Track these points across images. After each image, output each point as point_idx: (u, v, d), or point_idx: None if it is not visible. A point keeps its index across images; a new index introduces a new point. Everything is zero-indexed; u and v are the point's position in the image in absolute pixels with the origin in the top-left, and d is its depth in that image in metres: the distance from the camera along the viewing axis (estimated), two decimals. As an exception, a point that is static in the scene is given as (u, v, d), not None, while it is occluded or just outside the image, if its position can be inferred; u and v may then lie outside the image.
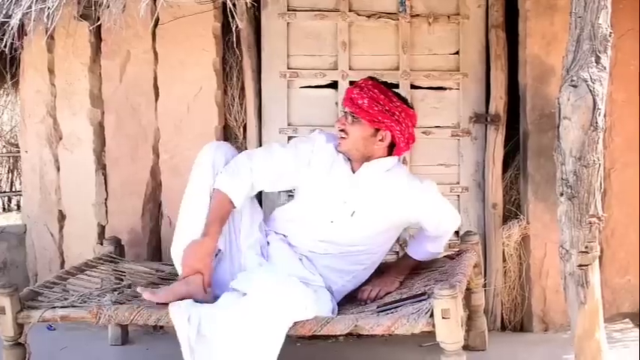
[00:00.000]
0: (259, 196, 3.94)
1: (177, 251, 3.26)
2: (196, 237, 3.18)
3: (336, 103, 4.30)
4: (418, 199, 3.38)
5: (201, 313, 2.94)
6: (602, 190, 2.79)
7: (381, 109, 3.27)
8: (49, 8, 3.31)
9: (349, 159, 3.40)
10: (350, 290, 3.48)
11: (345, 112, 3.36)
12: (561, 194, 2.77)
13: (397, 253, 4.21)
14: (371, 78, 3.43)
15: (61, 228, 4.75)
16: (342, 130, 3.34)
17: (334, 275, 3.38)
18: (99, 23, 3.98)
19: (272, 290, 2.93)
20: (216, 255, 3.27)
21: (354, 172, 3.39)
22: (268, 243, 3.45)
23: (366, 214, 3.35)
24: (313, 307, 2.99)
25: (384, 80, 3.62)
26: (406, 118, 3.33)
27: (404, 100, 3.43)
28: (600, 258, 2.90)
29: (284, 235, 3.46)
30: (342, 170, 3.39)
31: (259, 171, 3.33)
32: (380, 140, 3.32)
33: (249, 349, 2.84)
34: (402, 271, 3.57)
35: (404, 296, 3.25)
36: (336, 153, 3.39)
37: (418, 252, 3.62)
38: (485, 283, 4.04)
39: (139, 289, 3.19)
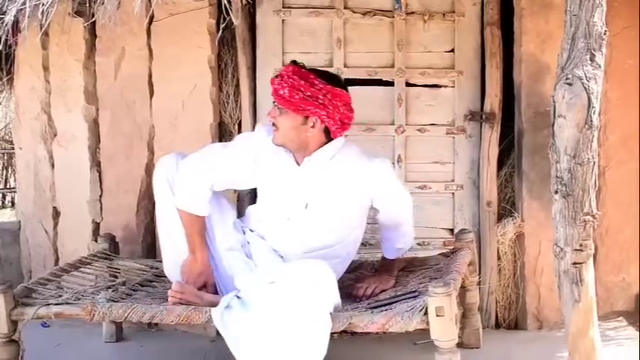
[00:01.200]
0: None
1: (168, 268, 3.49)
2: (180, 254, 3.35)
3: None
4: (367, 176, 3.29)
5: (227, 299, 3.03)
6: (596, 188, 2.79)
7: (303, 97, 3.15)
8: (43, 5, 3.30)
9: (291, 151, 3.32)
10: (343, 272, 3.47)
11: (274, 104, 3.28)
12: (556, 192, 2.77)
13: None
14: (292, 63, 3.28)
15: (56, 225, 4.74)
16: (273, 124, 3.28)
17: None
18: (93, 20, 3.97)
19: (307, 276, 2.98)
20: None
21: (298, 164, 3.32)
22: (248, 242, 3.44)
23: (320, 204, 3.30)
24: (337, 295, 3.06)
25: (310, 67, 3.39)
26: (333, 99, 3.19)
27: (330, 80, 3.26)
28: (594, 256, 2.90)
29: (262, 237, 3.44)
30: (287, 164, 3.32)
31: (215, 177, 3.34)
32: (311, 127, 3.21)
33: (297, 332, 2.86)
34: (394, 270, 3.55)
35: (398, 293, 3.26)
36: (277, 148, 3.31)
37: (390, 251, 3.55)
38: (479, 281, 4.04)
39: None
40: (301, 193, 3.30)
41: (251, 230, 3.46)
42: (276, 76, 3.25)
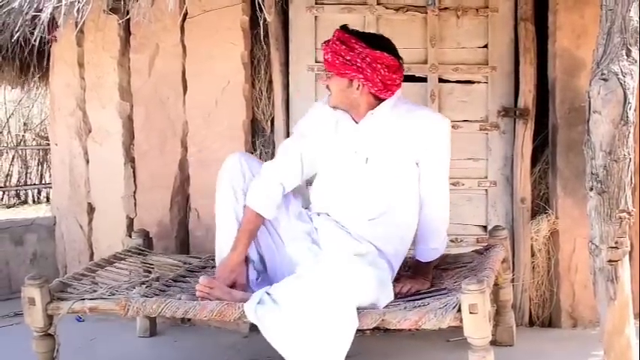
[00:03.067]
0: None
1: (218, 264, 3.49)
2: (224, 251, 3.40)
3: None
4: (421, 125, 3.31)
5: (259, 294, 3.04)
6: (632, 185, 2.76)
7: (342, 61, 3.23)
8: (79, 2, 3.33)
9: (348, 112, 3.37)
10: (404, 253, 3.45)
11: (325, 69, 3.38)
12: (591, 189, 2.75)
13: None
14: (341, 27, 3.34)
15: (90, 220, 4.79)
16: (327, 87, 3.37)
17: (381, 242, 3.32)
18: (128, 17, 4.00)
19: (336, 272, 2.99)
20: (251, 262, 3.45)
21: (356, 122, 3.36)
22: (316, 228, 3.45)
23: (379, 157, 3.31)
24: (373, 292, 3.06)
25: (355, 29, 3.40)
26: (372, 62, 3.22)
27: (372, 43, 3.28)
28: (630, 253, 2.87)
29: (327, 214, 3.44)
30: (346, 124, 3.38)
31: (283, 172, 3.41)
32: (357, 89, 3.27)
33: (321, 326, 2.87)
34: (429, 272, 3.50)
35: (432, 292, 3.25)
36: (335, 111, 3.37)
37: (424, 252, 3.49)
38: (513, 278, 4.02)
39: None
40: (361, 148, 3.34)
41: (318, 214, 3.48)
42: (325, 41, 3.34)
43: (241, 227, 3.38)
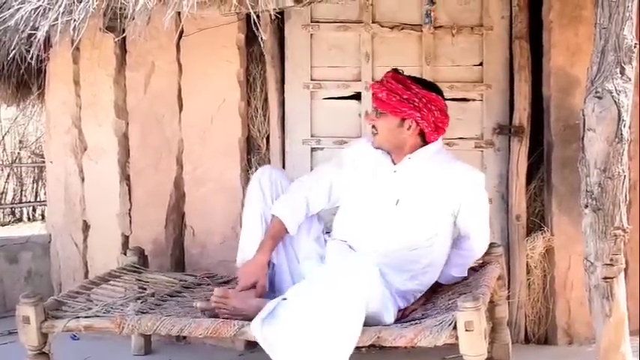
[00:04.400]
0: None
1: (239, 264, 3.56)
2: (251, 254, 3.44)
3: (360, 115, 4.30)
4: (460, 180, 3.40)
5: (274, 303, 3.04)
6: (627, 202, 2.77)
7: (399, 99, 3.32)
8: (75, 20, 3.33)
9: (389, 153, 3.46)
10: (414, 293, 3.43)
11: (373, 108, 3.47)
12: (586, 206, 2.76)
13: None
14: (393, 70, 3.47)
15: (85, 238, 4.78)
16: (372, 127, 3.45)
17: (391, 273, 3.32)
18: (124, 35, 4.01)
19: (341, 277, 3.00)
20: (272, 267, 3.51)
21: (395, 163, 3.45)
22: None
23: (410, 201, 3.37)
24: (379, 301, 3.08)
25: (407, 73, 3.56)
26: (428, 103, 3.35)
27: (426, 86, 3.44)
28: (625, 270, 2.87)
29: (343, 241, 3.50)
30: (385, 164, 3.46)
31: (312, 193, 3.52)
32: (407, 129, 3.36)
33: (323, 334, 2.89)
34: (425, 291, 3.53)
35: (427, 310, 3.24)
36: (376, 150, 3.47)
37: (444, 275, 3.54)
38: (508, 296, 4.02)
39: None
40: (394, 190, 3.40)
41: (334, 239, 3.54)
42: (376, 82, 3.46)
43: (268, 233, 3.45)
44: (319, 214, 3.63)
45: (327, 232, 3.64)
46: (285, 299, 3.04)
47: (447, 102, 3.47)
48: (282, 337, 2.92)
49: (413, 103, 3.32)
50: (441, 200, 3.38)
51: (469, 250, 3.55)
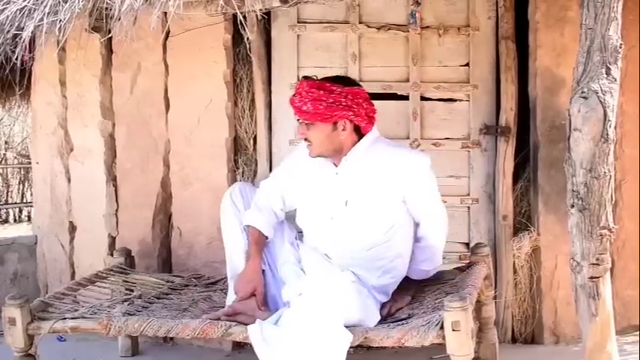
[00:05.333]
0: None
1: (231, 278, 3.55)
2: (241, 265, 3.47)
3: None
4: (401, 165, 3.33)
5: (265, 325, 3.05)
6: (613, 202, 2.78)
7: (326, 105, 3.25)
8: (60, 21, 3.32)
9: (330, 159, 3.42)
10: (392, 286, 3.43)
11: (299, 122, 3.38)
12: (572, 206, 2.77)
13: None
14: (304, 78, 3.39)
15: (72, 239, 4.76)
16: (305, 139, 3.38)
17: (363, 272, 3.31)
18: (110, 35, 3.99)
19: (324, 289, 3.01)
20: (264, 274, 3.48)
21: (336, 165, 3.41)
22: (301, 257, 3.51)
23: (359, 200, 3.33)
24: (358, 311, 3.08)
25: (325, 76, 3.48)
26: (355, 98, 3.29)
27: (344, 82, 3.38)
28: (611, 270, 2.88)
29: (314, 247, 3.51)
30: (327, 169, 3.42)
31: (271, 200, 3.53)
32: (342, 130, 3.31)
33: (312, 349, 2.88)
34: (411, 288, 3.52)
35: (414, 309, 3.25)
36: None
37: (414, 271, 3.53)
38: (495, 295, 4.02)
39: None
40: (341, 191, 3.37)
41: (304, 243, 3.56)
42: (294, 95, 3.34)
43: (250, 241, 3.46)
44: (289, 222, 3.64)
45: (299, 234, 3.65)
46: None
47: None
48: (279, 346, 2.93)
49: (341, 103, 3.26)
50: (389, 190, 3.33)
51: (428, 237, 3.46)
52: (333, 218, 3.39)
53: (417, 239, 3.48)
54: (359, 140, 3.37)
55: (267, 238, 3.48)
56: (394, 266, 3.40)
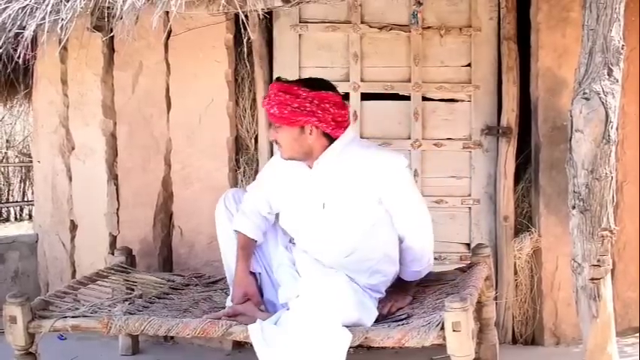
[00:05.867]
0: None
1: (230, 282, 3.61)
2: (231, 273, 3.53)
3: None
4: (374, 167, 3.28)
5: (266, 324, 3.05)
6: (614, 203, 2.78)
7: (291, 109, 3.22)
8: (62, 20, 3.32)
9: (303, 162, 3.40)
10: (384, 284, 3.40)
11: (270, 124, 3.41)
12: (573, 207, 2.76)
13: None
14: (276, 80, 3.38)
15: (73, 238, 4.77)
16: (276, 142, 3.40)
17: (353, 274, 3.29)
18: (112, 34, 3.99)
19: (320, 290, 3.01)
20: (260, 276, 3.55)
21: (310, 168, 3.38)
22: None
23: (336, 202, 3.31)
24: (355, 310, 3.08)
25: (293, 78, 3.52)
26: (321, 103, 3.24)
27: (314, 86, 3.31)
28: (612, 271, 2.88)
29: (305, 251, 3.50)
30: (301, 173, 3.41)
31: (258, 202, 3.57)
32: (309, 134, 3.27)
33: (311, 349, 2.88)
34: (410, 288, 3.50)
35: (415, 310, 3.25)
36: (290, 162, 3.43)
37: (405, 273, 3.49)
38: (496, 296, 4.02)
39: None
40: (316, 194, 3.35)
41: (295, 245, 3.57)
42: (265, 97, 3.35)
43: (237, 247, 3.49)
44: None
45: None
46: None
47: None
48: (279, 347, 2.93)
49: (305, 109, 3.23)
50: (364, 192, 3.28)
51: (408, 238, 3.39)
52: (312, 222, 3.37)
53: (400, 240, 3.41)
54: (330, 144, 3.32)
55: (256, 241, 3.51)
56: (382, 267, 3.37)
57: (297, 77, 4.28)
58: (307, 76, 3.56)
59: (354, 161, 3.30)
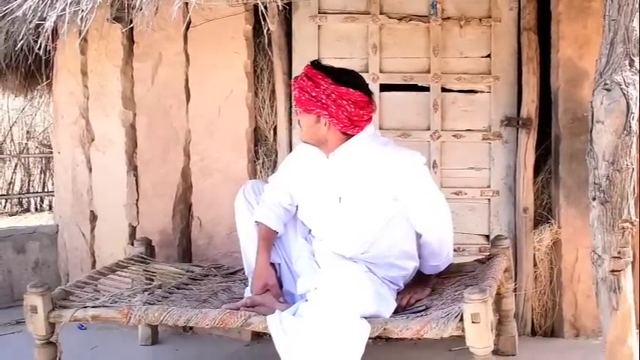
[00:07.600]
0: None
1: (248, 274, 3.65)
2: (250, 266, 3.56)
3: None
4: (392, 166, 3.26)
5: (284, 315, 3.05)
6: (635, 195, 2.76)
7: (308, 97, 3.24)
8: (82, 11, 3.33)
9: (319, 148, 3.39)
10: (403, 277, 3.41)
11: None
12: (594, 199, 2.75)
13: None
14: (310, 63, 3.35)
15: (93, 228, 4.80)
16: (298, 122, 3.44)
17: (372, 266, 3.30)
18: (131, 26, 4.01)
19: (338, 282, 3.01)
20: (280, 267, 3.55)
21: (327, 157, 3.37)
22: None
23: (352, 197, 3.30)
24: (373, 302, 3.07)
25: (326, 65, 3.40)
26: (337, 99, 3.21)
27: (338, 79, 3.26)
28: (633, 263, 2.86)
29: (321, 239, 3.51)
30: (319, 162, 3.40)
31: (279, 193, 3.56)
32: (324, 126, 3.27)
33: (330, 342, 2.88)
34: (430, 280, 3.50)
35: (434, 301, 3.24)
36: (312, 148, 3.40)
37: (424, 267, 3.48)
38: (515, 288, 4.02)
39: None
40: (333, 187, 3.35)
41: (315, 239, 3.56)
42: (295, 77, 3.38)
43: (258, 237, 3.49)
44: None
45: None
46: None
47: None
48: (296, 338, 2.93)
49: (320, 100, 3.22)
50: (380, 188, 3.25)
51: (427, 234, 3.37)
52: (328, 215, 3.37)
53: (418, 236, 3.40)
54: (347, 139, 3.30)
55: (277, 233, 3.51)
56: (400, 262, 3.38)
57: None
58: (344, 67, 3.48)
59: (372, 158, 3.29)
